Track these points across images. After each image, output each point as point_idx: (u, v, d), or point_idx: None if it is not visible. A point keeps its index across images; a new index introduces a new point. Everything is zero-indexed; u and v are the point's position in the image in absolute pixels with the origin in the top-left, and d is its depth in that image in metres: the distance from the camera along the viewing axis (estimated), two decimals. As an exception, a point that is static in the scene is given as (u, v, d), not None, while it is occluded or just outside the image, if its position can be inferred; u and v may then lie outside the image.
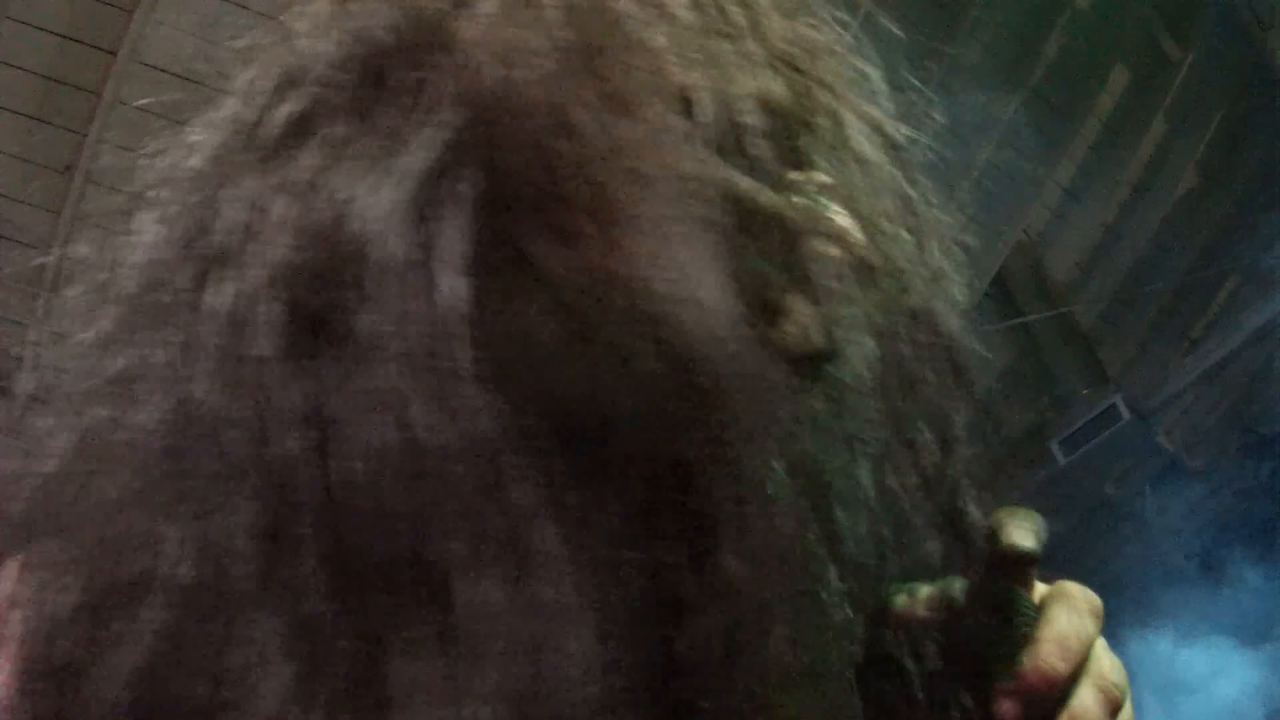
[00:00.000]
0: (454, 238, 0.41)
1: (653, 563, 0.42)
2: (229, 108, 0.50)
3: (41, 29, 3.71)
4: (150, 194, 0.50)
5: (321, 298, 0.41)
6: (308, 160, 0.44)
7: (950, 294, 0.55)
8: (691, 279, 0.43)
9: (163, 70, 3.85)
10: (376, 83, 0.46)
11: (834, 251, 0.49)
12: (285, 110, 0.47)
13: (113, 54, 3.78)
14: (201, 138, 0.50)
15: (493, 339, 0.41)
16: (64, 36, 3.75)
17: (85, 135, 3.95)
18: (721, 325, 0.43)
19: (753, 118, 0.48)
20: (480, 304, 0.41)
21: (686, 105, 0.47)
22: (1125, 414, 4.55)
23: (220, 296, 0.42)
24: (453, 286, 0.41)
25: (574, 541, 0.40)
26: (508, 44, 0.45)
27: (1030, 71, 4.41)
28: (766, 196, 0.47)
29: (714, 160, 0.46)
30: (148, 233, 0.47)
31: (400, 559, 0.39)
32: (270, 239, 0.43)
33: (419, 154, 0.43)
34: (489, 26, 0.46)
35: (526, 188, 0.43)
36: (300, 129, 0.46)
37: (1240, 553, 4.45)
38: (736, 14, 0.52)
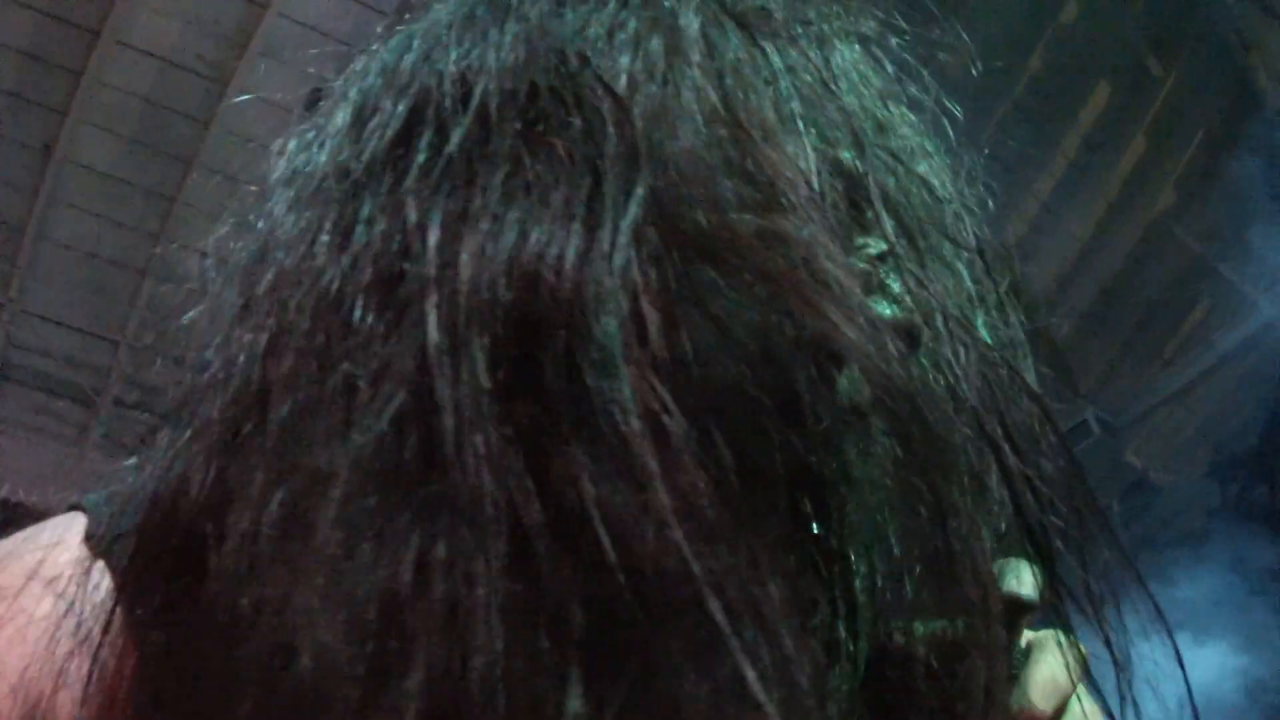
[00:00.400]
0: (654, 285, 0.43)
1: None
2: (345, 117, 0.51)
3: (23, 5, 3.68)
4: (289, 195, 0.50)
5: (532, 338, 0.42)
6: (485, 194, 0.45)
7: (1014, 358, 0.59)
8: (861, 325, 0.45)
9: (146, 52, 3.82)
10: (539, 123, 0.47)
11: (888, 315, 0.51)
12: (435, 137, 0.47)
13: (95, 34, 3.75)
14: (330, 147, 0.50)
15: (690, 385, 0.42)
16: (46, 14, 3.71)
17: (65, 115, 3.91)
18: (897, 368, 0.46)
19: (829, 183, 0.51)
20: (678, 350, 0.42)
21: (796, 170, 0.49)
22: (1095, 429, 4.59)
23: (422, 325, 0.42)
24: (661, 334, 0.42)
25: (785, 591, 0.42)
26: (658, 101, 0.47)
27: (1013, 85, 4.44)
28: (840, 259, 0.49)
29: (808, 222, 0.48)
30: (299, 246, 0.47)
31: (654, 590, 0.40)
32: (466, 272, 0.43)
33: (610, 201, 0.44)
34: (636, 80, 0.48)
35: (693, 240, 0.45)
36: (465, 159, 0.46)
37: (1207, 569, 4.50)
38: (816, 87, 0.54)
